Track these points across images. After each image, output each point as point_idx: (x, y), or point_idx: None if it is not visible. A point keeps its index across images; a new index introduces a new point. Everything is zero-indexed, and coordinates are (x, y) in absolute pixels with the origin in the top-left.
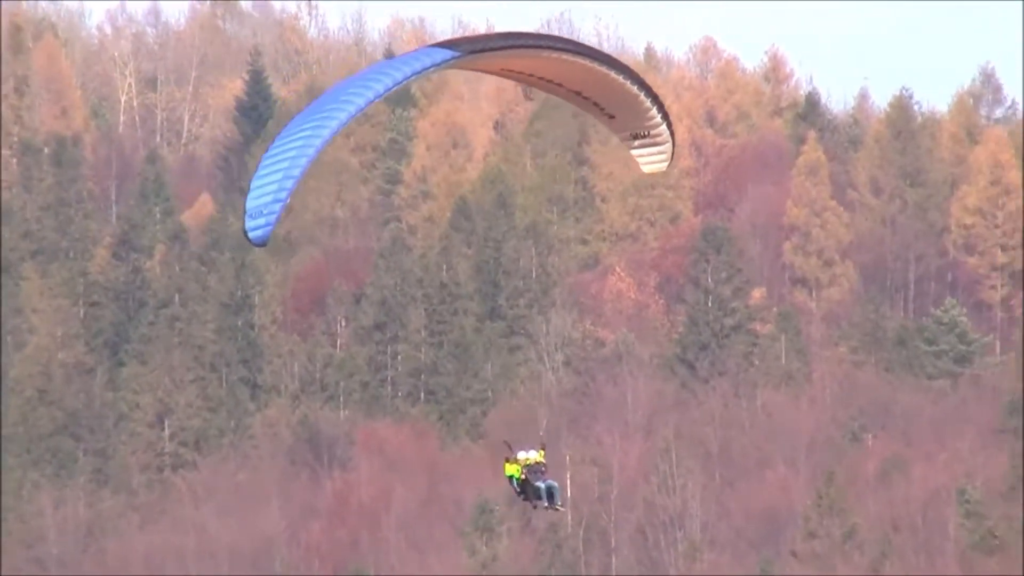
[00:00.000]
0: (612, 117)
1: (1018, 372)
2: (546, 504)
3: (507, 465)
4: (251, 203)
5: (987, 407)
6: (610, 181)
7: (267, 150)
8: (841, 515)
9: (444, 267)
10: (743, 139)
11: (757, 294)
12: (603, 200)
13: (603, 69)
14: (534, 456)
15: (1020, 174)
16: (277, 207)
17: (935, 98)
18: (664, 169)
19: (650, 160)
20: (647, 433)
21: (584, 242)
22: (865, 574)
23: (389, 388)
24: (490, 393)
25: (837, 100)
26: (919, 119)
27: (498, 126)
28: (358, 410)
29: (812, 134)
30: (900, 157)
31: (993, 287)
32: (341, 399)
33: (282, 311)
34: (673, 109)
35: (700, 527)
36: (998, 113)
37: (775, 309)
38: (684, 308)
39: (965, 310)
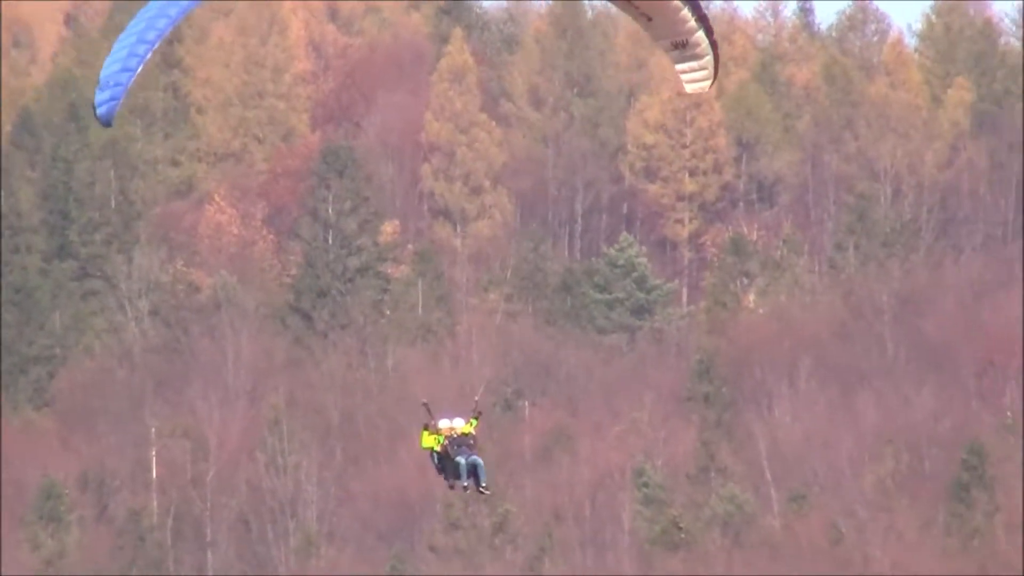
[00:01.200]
0: (649, 19)
1: (710, 326)
2: (464, 484)
3: (424, 434)
4: (102, 74)
5: (671, 369)
6: (208, 88)
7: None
8: (491, 501)
9: (2, 193)
10: (372, 37)
11: (389, 229)
12: (199, 111)
13: None
14: (460, 426)
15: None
16: (125, 77)
17: None
18: (706, 89)
19: (692, 77)
20: (252, 400)
21: (175, 163)
22: (520, 574)
23: None
24: (58, 350)
25: None
26: (589, 15)
27: (70, 20)
28: None
29: (457, 32)
30: (566, 61)
31: (679, 221)
32: None
33: None
34: None
35: (317, 516)
36: None
37: (411, 247)
38: (299, 246)
39: (645, 249)
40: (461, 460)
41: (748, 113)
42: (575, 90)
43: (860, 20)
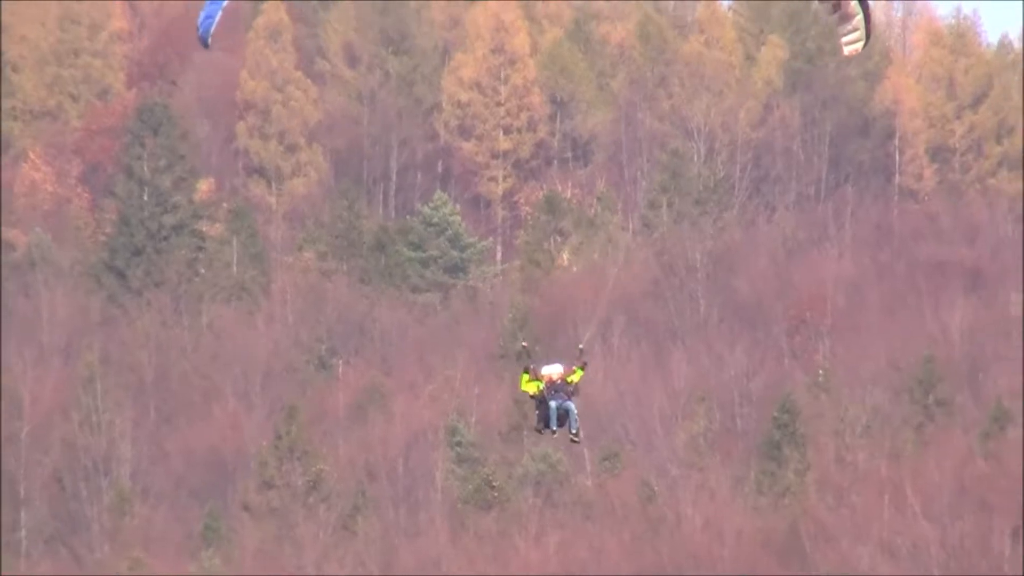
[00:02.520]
0: None
1: (523, 284)
2: (553, 429)
3: (524, 378)
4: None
5: (484, 327)
6: (23, 45)
7: None
8: (305, 459)
9: None
10: None
11: (204, 187)
12: (14, 69)
13: None
14: (556, 373)
15: (528, 40)
16: (213, 7)
17: None
18: (859, 50)
19: (848, 39)
20: (66, 358)
21: None
22: (334, 532)
23: None
24: None
25: None
26: None
27: None
28: None
29: None
30: (380, 18)
31: (493, 179)
32: None
33: None
34: None
35: (130, 474)
36: None
37: (226, 205)
38: (114, 204)
39: (459, 207)
40: (552, 404)
41: (562, 71)
42: (390, 48)
43: None
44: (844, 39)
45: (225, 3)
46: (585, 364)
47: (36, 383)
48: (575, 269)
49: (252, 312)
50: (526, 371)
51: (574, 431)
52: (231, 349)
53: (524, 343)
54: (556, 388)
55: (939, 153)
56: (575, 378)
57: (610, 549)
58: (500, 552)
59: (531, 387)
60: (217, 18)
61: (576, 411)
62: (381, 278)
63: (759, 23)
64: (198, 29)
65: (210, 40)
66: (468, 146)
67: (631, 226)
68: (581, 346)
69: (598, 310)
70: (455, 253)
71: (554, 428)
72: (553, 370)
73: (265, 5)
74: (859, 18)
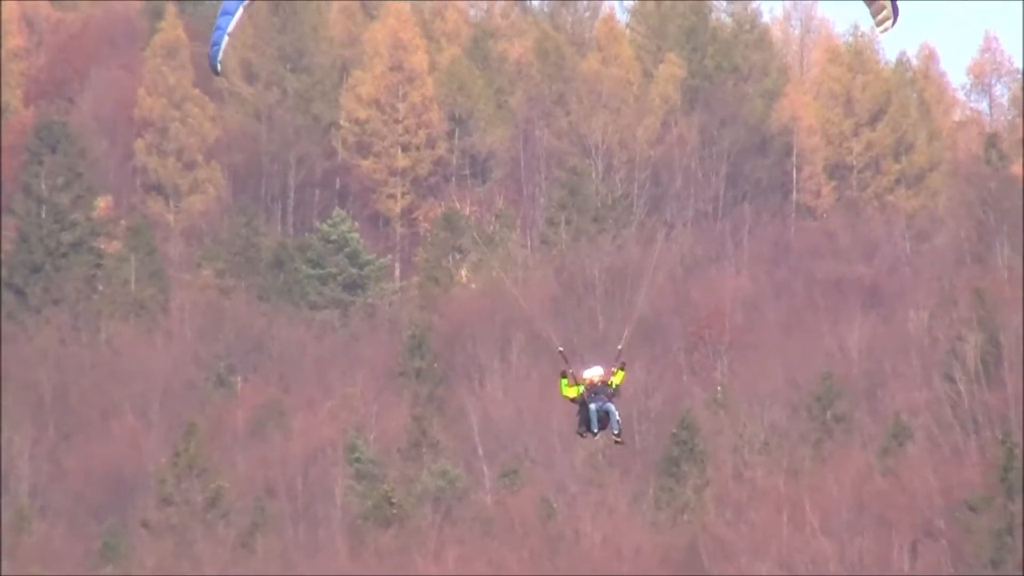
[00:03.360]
0: None
1: (422, 301)
2: (594, 431)
3: (563, 383)
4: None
5: (383, 344)
6: None
7: None
8: (203, 476)
9: None
10: (85, 12)
11: (103, 204)
12: None
13: None
14: (597, 375)
15: (426, 57)
16: (218, 35)
17: None
18: (889, 28)
19: (879, 18)
20: None
21: None
22: (233, 550)
23: None
24: None
25: None
26: None
27: None
28: None
29: (170, 8)
30: (278, 36)
31: (392, 196)
32: None
33: None
34: None
35: (29, 491)
36: None
37: (124, 222)
38: (12, 221)
39: (358, 224)
40: (592, 406)
41: (460, 88)
42: (288, 65)
43: None
44: (877, 18)
45: (231, 29)
46: (624, 364)
47: None
48: (474, 286)
49: (151, 329)
50: (563, 375)
51: (616, 432)
52: (130, 366)
53: (561, 348)
54: (597, 391)
55: (837, 170)
56: (617, 380)
57: (509, 566)
58: (399, 568)
59: (572, 391)
60: (224, 44)
61: (617, 412)
62: (280, 295)
63: (657, 41)
64: (209, 57)
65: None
66: (366, 163)
67: (530, 243)
68: (620, 347)
69: (633, 310)
70: (354, 270)
71: (595, 430)
72: (594, 373)
73: (162, 23)
74: None
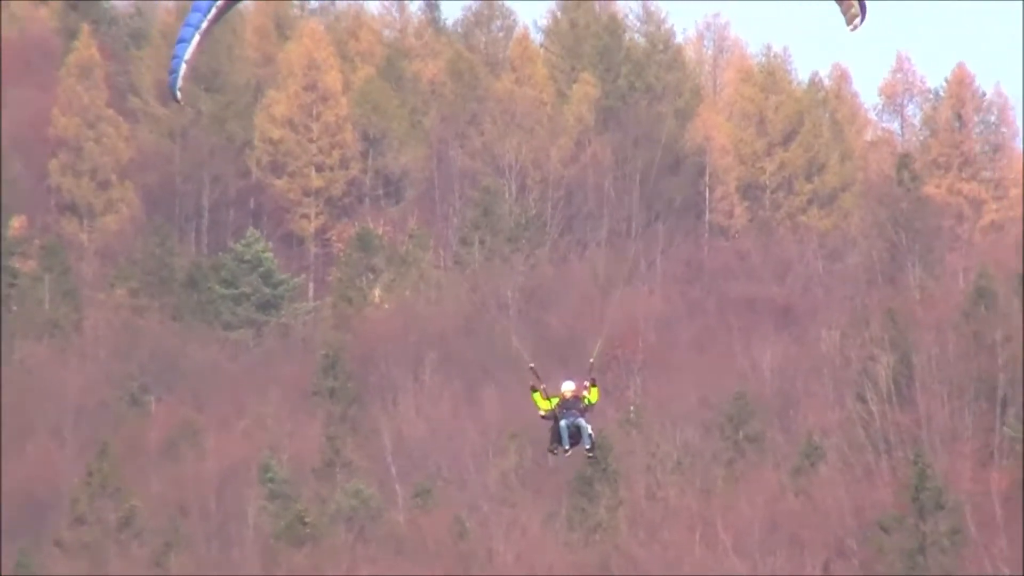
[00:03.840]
0: None
1: (336, 320)
2: (566, 448)
3: (537, 397)
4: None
5: (297, 364)
6: None
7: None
8: (117, 496)
9: None
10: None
11: (16, 223)
12: None
13: None
14: (569, 389)
15: (340, 77)
16: (176, 62)
17: None
18: (858, 25)
19: (848, 15)
20: None
21: None
22: (146, 570)
23: None
24: None
25: None
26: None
27: None
28: None
29: (85, 27)
30: (193, 56)
31: (306, 216)
32: None
33: None
34: None
35: None
36: (313, 4)
37: (38, 242)
38: None
39: (271, 244)
40: (563, 422)
41: (375, 108)
42: (202, 85)
43: (486, 16)
44: (846, 15)
45: (187, 57)
46: (594, 380)
47: None
48: (387, 306)
49: (64, 349)
50: (534, 390)
51: (588, 447)
52: (43, 385)
53: (531, 365)
54: (568, 405)
55: (749, 190)
56: (593, 397)
57: None
58: None
59: (546, 404)
60: (182, 72)
61: (589, 427)
62: (193, 315)
63: (570, 61)
64: (168, 84)
65: (179, 93)
66: (280, 183)
67: (443, 263)
68: (591, 359)
69: (603, 328)
70: (267, 290)
71: (567, 447)
72: (566, 387)
73: (77, 42)
74: None
